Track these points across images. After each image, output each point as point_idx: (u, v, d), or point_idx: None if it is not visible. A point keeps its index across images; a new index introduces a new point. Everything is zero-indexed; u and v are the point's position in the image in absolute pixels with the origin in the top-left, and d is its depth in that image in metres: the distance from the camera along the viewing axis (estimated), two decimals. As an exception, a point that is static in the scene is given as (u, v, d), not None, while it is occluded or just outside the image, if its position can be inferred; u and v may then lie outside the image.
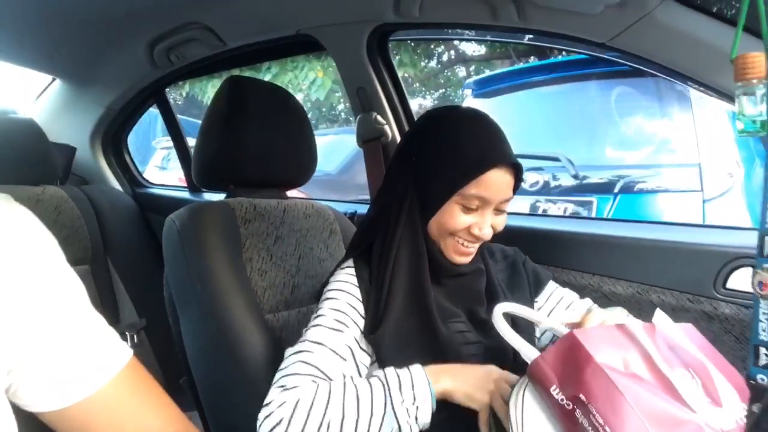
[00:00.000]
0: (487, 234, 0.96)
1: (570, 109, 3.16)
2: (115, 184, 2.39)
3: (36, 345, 0.57)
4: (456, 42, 7.80)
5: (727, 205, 2.76)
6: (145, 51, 1.83)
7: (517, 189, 0.98)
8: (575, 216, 2.82)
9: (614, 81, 2.98)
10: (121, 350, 0.65)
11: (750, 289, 1.22)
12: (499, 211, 0.98)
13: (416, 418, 0.82)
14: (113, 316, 2.01)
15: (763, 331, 0.62)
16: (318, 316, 0.94)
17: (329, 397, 0.82)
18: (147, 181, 2.48)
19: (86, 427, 0.62)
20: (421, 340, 0.93)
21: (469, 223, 0.94)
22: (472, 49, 7.93)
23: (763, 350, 0.63)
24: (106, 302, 1.99)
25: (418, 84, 8.89)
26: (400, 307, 0.94)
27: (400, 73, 1.71)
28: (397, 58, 6.66)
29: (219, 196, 1.37)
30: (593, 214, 2.93)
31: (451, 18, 1.44)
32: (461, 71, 9.12)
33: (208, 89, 6.93)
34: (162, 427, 0.67)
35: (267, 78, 6.13)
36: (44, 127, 1.95)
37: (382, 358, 0.92)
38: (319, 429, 0.80)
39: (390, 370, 0.86)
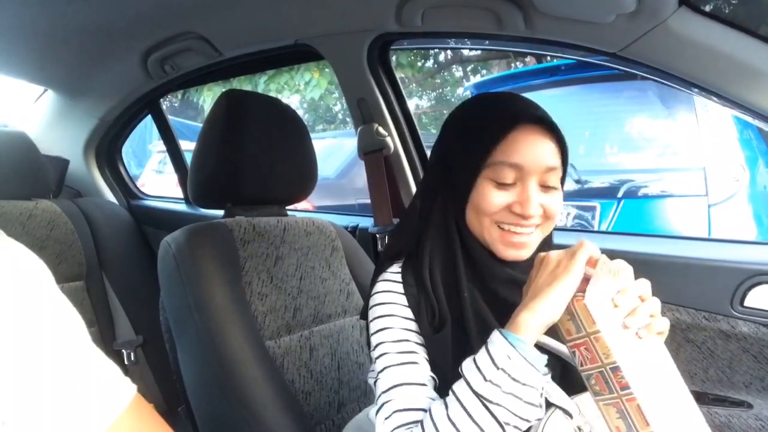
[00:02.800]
0: (533, 212, 0.81)
1: (572, 113, 3.12)
2: (110, 197, 2.34)
3: (32, 393, 0.53)
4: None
5: (732, 209, 2.73)
6: (139, 61, 1.78)
7: (566, 161, 0.86)
8: (584, 229, 2.78)
9: (618, 84, 2.95)
10: (124, 388, 0.62)
11: (769, 308, 1.20)
12: (547, 187, 0.83)
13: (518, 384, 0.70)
14: (109, 334, 1.96)
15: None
16: (381, 355, 0.83)
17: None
18: (142, 192, 2.42)
19: None
20: (460, 354, 0.82)
21: (507, 201, 0.82)
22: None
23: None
24: (101, 319, 1.94)
25: (415, 85, 8.85)
26: (446, 314, 0.84)
27: (397, 75, 1.66)
28: (393, 58, 6.62)
29: (216, 210, 1.33)
30: (596, 219, 2.90)
31: (454, 27, 1.39)
32: (458, 72, 9.09)
33: (204, 90, 6.90)
34: None
35: (262, 80, 6.10)
36: (36, 139, 1.90)
37: (439, 366, 0.83)
38: None
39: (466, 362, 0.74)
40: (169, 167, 4.51)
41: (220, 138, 1.24)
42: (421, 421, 0.74)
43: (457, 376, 0.75)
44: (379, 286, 0.88)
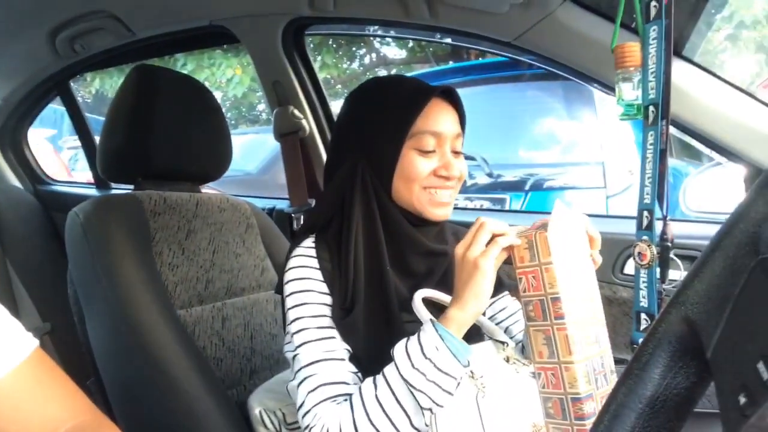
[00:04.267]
0: (456, 173, 0.92)
1: (484, 111, 3.26)
2: (15, 182, 2.23)
3: None
4: (377, 45, 7.88)
5: (628, 200, 2.96)
6: (46, 40, 1.73)
7: (464, 125, 0.97)
8: (488, 209, 2.92)
9: (526, 84, 3.12)
10: (24, 341, 0.63)
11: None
12: (456, 153, 0.94)
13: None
14: (12, 322, 1.88)
15: (643, 298, 0.68)
16: (299, 330, 0.87)
17: (355, 405, 0.79)
18: (50, 178, 2.33)
19: None
20: (383, 330, 0.89)
21: (432, 166, 0.91)
22: (393, 52, 8.06)
23: (643, 316, 0.68)
24: (5, 306, 1.85)
25: (340, 86, 8.89)
26: (365, 294, 0.89)
27: (322, 75, 1.71)
28: (319, 59, 6.63)
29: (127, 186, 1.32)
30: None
31: (365, 14, 1.46)
32: (382, 73, 9.22)
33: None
34: (69, 418, 0.65)
35: (182, 74, 5.93)
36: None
37: (351, 344, 0.88)
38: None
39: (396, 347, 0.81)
40: (81, 164, 4.31)
41: (131, 111, 1.24)
42: (349, 397, 0.81)
43: (370, 356, 0.84)
44: (294, 261, 0.92)
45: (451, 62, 5.67)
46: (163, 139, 1.25)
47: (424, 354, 0.77)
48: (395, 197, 0.92)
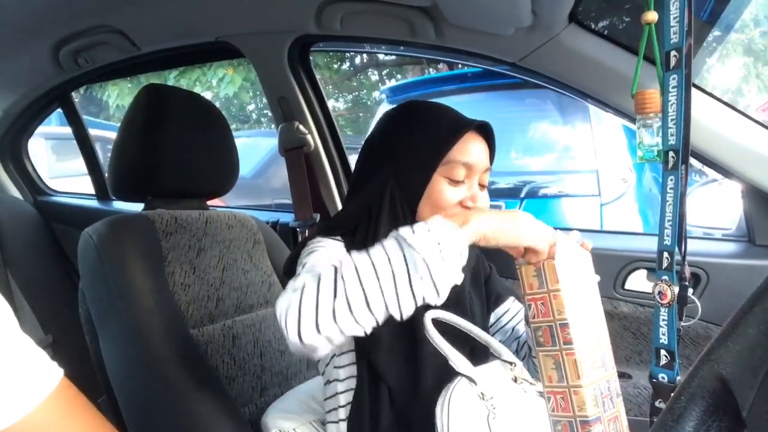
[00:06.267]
0: (482, 205, 0.95)
1: (480, 118, 3.29)
2: (15, 193, 2.23)
3: None
4: (368, 46, 7.86)
5: (621, 208, 3.00)
6: (50, 53, 1.72)
7: (492, 160, 0.99)
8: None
9: (522, 92, 3.15)
10: (51, 371, 0.63)
11: (645, 290, 1.37)
12: (482, 186, 0.97)
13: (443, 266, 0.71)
14: (15, 334, 1.87)
15: (663, 335, 0.70)
16: (304, 264, 0.85)
17: (338, 267, 0.73)
18: (50, 188, 2.33)
19: None
20: (404, 343, 0.90)
21: (460, 197, 0.93)
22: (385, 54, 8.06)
23: (663, 352, 0.71)
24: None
25: (331, 87, 8.90)
26: None
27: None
28: (311, 58, 6.62)
29: (131, 205, 1.32)
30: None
31: (371, 33, 1.48)
32: (374, 75, 9.24)
33: (108, 86, 6.56)
34: None
35: (172, 75, 5.91)
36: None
37: (365, 349, 0.89)
38: (335, 289, 0.71)
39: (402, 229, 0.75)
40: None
41: (141, 131, 1.25)
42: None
43: (390, 368, 0.86)
44: (320, 241, 0.91)
45: (442, 65, 5.68)
46: (173, 158, 1.26)
47: (426, 225, 0.73)
48: (419, 220, 0.92)
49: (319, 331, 0.70)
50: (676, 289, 0.69)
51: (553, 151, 3.21)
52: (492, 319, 1.10)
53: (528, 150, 3.29)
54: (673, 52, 0.63)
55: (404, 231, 0.73)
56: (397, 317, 0.72)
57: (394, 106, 1.04)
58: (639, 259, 1.38)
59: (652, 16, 0.67)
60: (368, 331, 0.73)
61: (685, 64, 0.63)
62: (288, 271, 0.94)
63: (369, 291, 0.70)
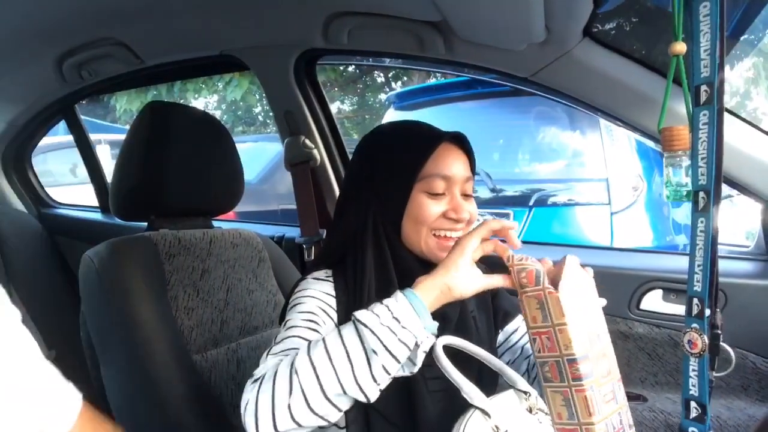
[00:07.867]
0: (465, 216, 0.93)
1: (488, 125, 3.26)
2: (19, 205, 2.21)
3: None
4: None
5: (632, 217, 2.96)
6: (54, 66, 1.71)
7: (473, 170, 0.98)
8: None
9: (531, 99, 3.11)
10: (74, 397, 0.63)
11: (661, 310, 1.33)
12: (466, 196, 0.96)
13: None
14: (17, 350, 1.85)
15: (693, 386, 0.66)
16: (285, 323, 0.86)
17: (295, 357, 0.75)
18: (54, 201, 2.31)
19: None
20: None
21: (441, 209, 0.92)
22: (391, 56, 8.03)
23: (693, 404, 0.67)
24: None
25: (337, 89, 8.88)
26: None
27: (319, 78, 1.69)
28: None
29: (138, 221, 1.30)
30: (511, 226, 3.04)
31: (379, 47, 1.45)
32: (380, 77, 9.21)
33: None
34: None
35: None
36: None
37: None
38: (290, 385, 0.72)
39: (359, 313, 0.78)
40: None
41: (144, 149, 1.22)
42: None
43: (380, 399, 0.79)
44: (308, 283, 0.92)
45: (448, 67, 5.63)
46: (177, 176, 1.24)
47: (384, 303, 0.77)
48: (404, 239, 0.94)
49: (276, 428, 0.72)
50: (707, 339, 0.65)
51: (562, 158, 3.17)
52: (501, 338, 1.08)
53: (537, 157, 3.25)
54: (704, 87, 0.59)
55: (361, 314, 0.75)
56: (364, 401, 0.74)
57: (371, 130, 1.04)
58: (655, 278, 1.34)
59: (680, 47, 0.63)
60: (333, 420, 0.75)
61: (717, 99, 0.59)
62: (282, 320, 0.93)
63: (325, 382, 0.72)
